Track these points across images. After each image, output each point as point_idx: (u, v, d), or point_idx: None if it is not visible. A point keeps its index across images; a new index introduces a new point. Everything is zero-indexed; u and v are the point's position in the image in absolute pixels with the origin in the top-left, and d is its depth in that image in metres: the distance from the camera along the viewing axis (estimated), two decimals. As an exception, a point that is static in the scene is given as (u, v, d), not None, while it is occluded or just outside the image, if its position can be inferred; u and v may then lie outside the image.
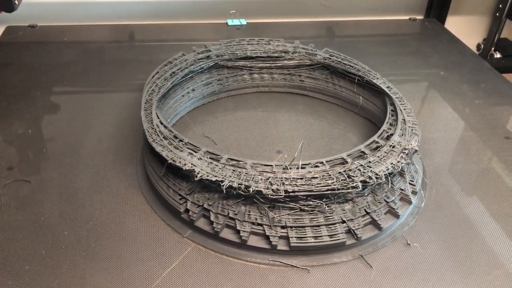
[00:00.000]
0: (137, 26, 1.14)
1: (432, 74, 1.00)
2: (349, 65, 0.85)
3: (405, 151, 0.65)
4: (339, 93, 0.86)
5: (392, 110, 0.75)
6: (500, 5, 1.10)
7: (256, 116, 0.83)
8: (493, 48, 1.15)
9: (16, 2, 0.91)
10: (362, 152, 0.66)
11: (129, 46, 1.06)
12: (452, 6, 1.32)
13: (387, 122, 0.72)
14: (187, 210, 0.59)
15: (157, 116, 0.69)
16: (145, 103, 0.73)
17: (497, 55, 1.15)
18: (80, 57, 1.00)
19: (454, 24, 1.36)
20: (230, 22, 1.12)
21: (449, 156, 0.76)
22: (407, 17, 1.24)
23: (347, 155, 0.64)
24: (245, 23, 1.12)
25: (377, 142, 0.68)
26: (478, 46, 1.19)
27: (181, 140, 0.65)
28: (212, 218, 0.58)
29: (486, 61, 1.07)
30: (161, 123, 0.68)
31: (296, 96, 0.89)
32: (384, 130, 0.70)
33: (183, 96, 0.82)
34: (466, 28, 1.35)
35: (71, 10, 1.15)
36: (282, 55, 0.88)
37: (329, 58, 0.86)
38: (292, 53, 0.88)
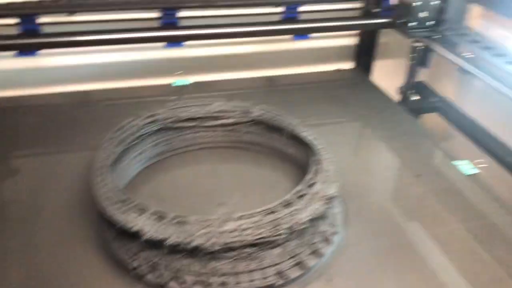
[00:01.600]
0: (89, 91, 1.23)
1: (355, 122, 1.14)
2: (280, 120, 0.97)
3: (325, 197, 0.76)
4: (273, 146, 0.98)
5: (316, 160, 0.87)
6: (412, 55, 1.27)
7: (201, 172, 0.93)
8: (410, 92, 1.30)
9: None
10: (289, 201, 0.77)
11: (82, 110, 1.14)
12: (377, 54, 1.49)
13: (311, 171, 0.84)
14: (136, 267, 0.68)
15: (108, 181, 0.78)
16: (97, 169, 0.81)
17: (415, 98, 1.30)
18: (35, 123, 1.07)
19: (380, 70, 1.52)
20: (175, 83, 1.23)
21: (368, 197, 0.88)
22: (334, 68, 1.39)
23: (276, 205, 0.75)
24: (189, 82, 1.24)
25: (301, 191, 0.79)
26: (399, 89, 1.35)
27: (130, 202, 0.74)
28: (159, 272, 0.67)
29: (404, 105, 1.22)
30: (112, 188, 0.77)
31: (236, 150, 1.00)
32: (308, 179, 0.82)
33: (133, 159, 0.91)
34: (391, 73, 1.52)
35: (24, 76, 1.23)
36: (222, 114, 0.99)
37: (262, 116, 0.98)
38: (231, 112, 0.99)
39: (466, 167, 0.96)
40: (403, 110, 1.17)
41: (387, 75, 1.55)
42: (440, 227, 0.82)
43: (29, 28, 1.08)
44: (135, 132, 0.91)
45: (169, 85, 1.25)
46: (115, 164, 0.86)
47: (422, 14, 1.20)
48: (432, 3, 1.19)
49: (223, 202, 0.84)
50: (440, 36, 1.21)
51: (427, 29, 1.22)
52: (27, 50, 1.11)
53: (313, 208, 0.73)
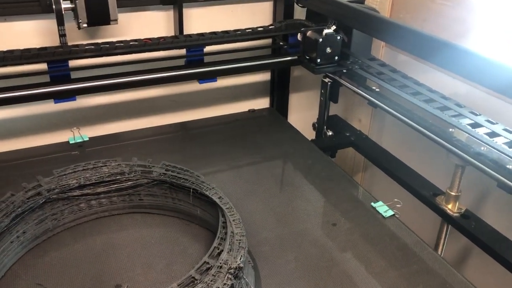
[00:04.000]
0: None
1: (269, 167, 1.08)
2: (183, 178, 0.88)
3: (231, 270, 0.68)
4: (178, 207, 0.89)
5: (223, 222, 0.79)
6: (322, 91, 1.25)
7: (95, 247, 0.82)
8: (325, 127, 1.28)
9: None
10: (193, 277, 0.68)
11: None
12: (291, 89, 1.46)
13: (218, 237, 0.76)
14: None
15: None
16: (-39, 266, 0.68)
17: (329, 133, 1.28)
18: None
19: (296, 105, 1.50)
20: (72, 140, 1.11)
21: (282, 256, 0.81)
22: (248, 106, 1.34)
23: (178, 285, 0.66)
24: (87, 138, 1.12)
25: (207, 263, 0.71)
26: (314, 125, 1.32)
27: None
28: None
29: (319, 142, 1.18)
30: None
31: (137, 215, 0.90)
32: (215, 246, 0.74)
33: (12, 242, 0.78)
34: (305, 108, 1.50)
35: None
36: (118, 177, 0.89)
37: (165, 174, 0.89)
38: (128, 174, 0.89)
39: (383, 208, 0.93)
40: (318, 149, 1.13)
41: (302, 108, 1.53)
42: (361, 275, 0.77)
43: None
44: (13, 210, 0.79)
45: (66, 143, 1.12)
46: (-12, 253, 0.74)
47: (327, 50, 1.18)
48: (336, 38, 1.18)
49: (119, 284, 0.74)
50: (347, 70, 1.20)
51: (334, 65, 1.21)
52: None
53: (219, 285, 0.65)
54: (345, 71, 1.20)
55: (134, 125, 1.27)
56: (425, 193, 1.04)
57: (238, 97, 1.43)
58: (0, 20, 1.08)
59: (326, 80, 1.23)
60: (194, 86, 1.35)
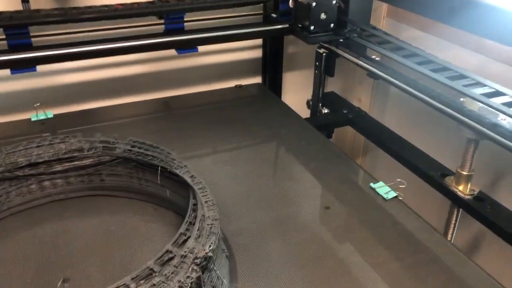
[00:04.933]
0: None
1: (258, 145, 0.96)
2: (151, 155, 0.76)
3: (196, 261, 0.56)
4: (144, 188, 0.77)
5: (194, 205, 0.67)
6: (316, 63, 1.12)
7: (45, 235, 0.70)
8: (320, 104, 1.15)
9: None
10: (151, 269, 0.56)
11: None
12: (285, 68, 1.34)
13: (186, 221, 0.63)
14: None
15: None
16: None
17: (325, 111, 1.15)
18: None
19: (289, 82, 1.37)
20: (34, 117, 0.99)
21: (264, 243, 0.69)
22: (232, 85, 1.21)
23: (132, 279, 0.54)
24: (51, 115, 1.00)
25: (170, 252, 0.58)
26: (308, 102, 1.20)
27: None
28: None
29: (314, 120, 1.06)
30: None
31: (98, 198, 0.77)
32: (181, 233, 0.61)
33: None
34: (300, 85, 1.37)
35: None
36: (76, 154, 0.77)
37: (130, 150, 0.77)
38: (88, 150, 0.77)
39: (384, 189, 0.80)
40: (312, 128, 1.00)
41: (297, 88, 1.40)
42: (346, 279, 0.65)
43: None
44: None
45: (28, 120, 1.00)
46: None
47: (322, 16, 1.05)
48: (332, 2, 1.05)
49: (68, 278, 0.62)
50: (344, 39, 1.07)
51: (330, 33, 1.08)
52: None
53: (180, 278, 0.53)
54: (342, 40, 1.07)
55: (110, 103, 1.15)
56: (432, 174, 0.91)
57: (225, 76, 1.31)
58: None
59: (321, 50, 1.10)
60: (176, 63, 1.23)
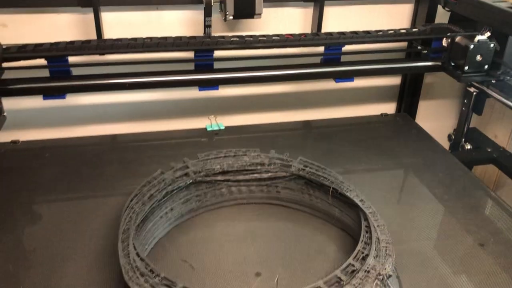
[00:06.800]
0: (118, 135, 1.17)
1: (404, 175, 1.03)
2: (322, 176, 0.87)
3: (379, 277, 0.65)
4: (315, 204, 0.88)
5: (366, 226, 0.77)
6: (465, 101, 1.16)
7: (235, 231, 0.84)
8: (463, 139, 1.19)
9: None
10: (339, 278, 0.67)
11: (110, 156, 1.08)
12: (422, 95, 1.39)
13: (362, 240, 0.74)
14: None
15: (134, 247, 0.70)
16: (123, 232, 0.73)
17: (468, 147, 1.19)
18: (61, 169, 1.01)
19: (425, 113, 1.42)
20: (209, 127, 1.16)
21: (425, 269, 0.77)
22: (378, 111, 1.29)
23: (324, 283, 0.65)
24: (223, 127, 1.16)
25: (352, 265, 0.69)
26: (449, 136, 1.24)
27: (157, 275, 0.65)
28: None
29: (456, 156, 1.10)
30: (138, 256, 0.68)
31: (273, 207, 0.90)
32: (359, 250, 0.72)
33: (161, 217, 0.83)
34: (437, 116, 1.41)
35: (50, 117, 1.19)
36: (258, 168, 0.91)
37: (303, 169, 0.89)
38: (268, 165, 0.91)
39: (537, 234, 0.84)
40: (459, 162, 1.05)
41: (433, 118, 1.44)
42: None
43: (58, 70, 1.03)
44: (164, 187, 0.84)
45: (202, 129, 1.17)
46: (143, 223, 0.79)
47: (477, 58, 1.09)
48: (489, 46, 1.09)
49: (259, 272, 0.75)
50: (497, 80, 1.11)
51: (483, 74, 1.12)
52: (56, 94, 1.06)
53: (367, 290, 0.63)
54: (494, 81, 1.11)
55: (259, 119, 1.30)
56: None
57: (363, 100, 1.39)
58: (152, 8, 1.16)
59: (471, 89, 1.15)
60: (317, 85, 1.34)
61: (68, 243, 0.80)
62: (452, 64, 1.14)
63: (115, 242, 0.72)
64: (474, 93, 1.14)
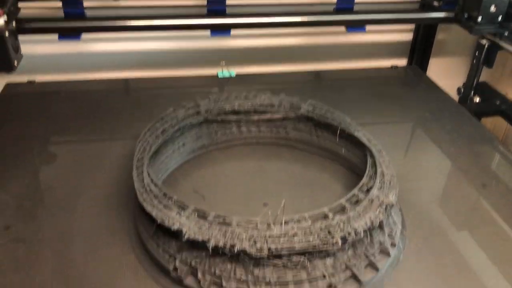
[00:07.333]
0: (131, 79, 1.19)
1: (412, 123, 1.05)
2: (331, 118, 0.89)
3: (383, 205, 0.68)
4: (322, 144, 0.91)
5: (371, 163, 0.79)
6: (477, 53, 1.16)
7: (244, 168, 0.87)
8: (472, 92, 1.20)
9: (16, 62, 0.96)
10: (343, 206, 0.69)
11: (123, 99, 1.11)
12: (434, 51, 1.39)
13: (367, 175, 0.76)
14: (175, 269, 0.62)
15: (148, 174, 0.73)
16: (137, 161, 0.76)
17: (476, 99, 1.20)
18: (76, 109, 1.05)
19: (436, 68, 1.42)
20: (221, 74, 1.18)
21: (428, 206, 0.80)
22: (389, 65, 1.30)
23: (328, 210, 0.68)
24: (234, 74, 1.18)
25: (357, 196, 0.71)
26: (459, 90, 1.25)
27: (170, 198, 0.68)
28: (199, 276, 0.61)
29: (465, 107, 1.11)
30: (152, 181, 0.72)
31: (282, 147, 0.93)
32: (364, 183, 0.74)
33: (173, 151, 0.86)
34: (448, 72, 1.41)
35: (66, 62, 1.21)
36: (268, 109, 0.93)
37: (312, 111, 0.91)
38: (278, 107, 0.93)
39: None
40: (467, 113, 1.07)
41: (444, 74, 1.44)
42: (509, 245, 0.73)
43: (73, 11, 1.05)
44: (176, 123, 0.86)
45: (213, 76, 1.19)
46: (156, 156, 0.82)
47: (492, 9, 1.09)
48: (503, -5, 1.08)
49: (268, 202, 0.78)
50: (510, 33, 1.10)
51: (496, 25, 1.11)
52: (71, 34, 1.07)
53: (371, 216, 0.66)
54: (506, 34, 1.11)
55: (270, 71, 1.31)
56: None
57: (374, 55, 1.39)
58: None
59: (484, 41, 1.14)
60: (328, 39, 1.34)
61: (82, 183, 0.82)
62: (465, 15, 1.14)
63: (130, 175, 0.74)
64: (486, 45, 1.14)
